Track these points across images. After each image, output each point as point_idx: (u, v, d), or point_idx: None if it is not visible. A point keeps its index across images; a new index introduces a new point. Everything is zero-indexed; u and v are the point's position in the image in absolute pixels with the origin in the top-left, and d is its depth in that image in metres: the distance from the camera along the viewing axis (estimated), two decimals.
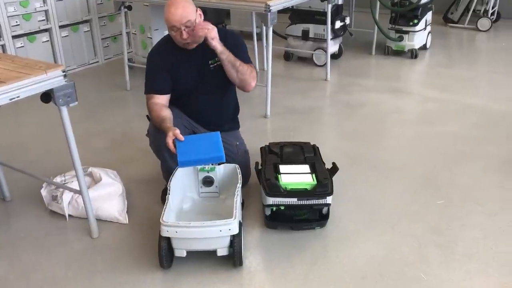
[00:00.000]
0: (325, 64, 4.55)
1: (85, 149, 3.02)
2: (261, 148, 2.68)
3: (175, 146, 2.14)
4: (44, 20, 4.60)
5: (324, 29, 4.59)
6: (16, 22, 4.38)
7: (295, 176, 2.34)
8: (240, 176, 2.33)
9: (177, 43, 2.41)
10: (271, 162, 2.46)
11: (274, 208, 2.28)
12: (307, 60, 4.97)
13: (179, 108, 2.49)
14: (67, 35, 4.82)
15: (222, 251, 2.04)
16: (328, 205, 2.27)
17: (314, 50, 4.83)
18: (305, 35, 4.80)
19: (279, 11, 3.52)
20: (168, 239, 2.00)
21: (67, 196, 2.44)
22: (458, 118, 3.60)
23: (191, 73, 2.48)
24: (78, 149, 2.16)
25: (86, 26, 4.98)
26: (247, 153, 2.68)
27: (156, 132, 2.34)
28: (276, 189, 2.23)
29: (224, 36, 2.43)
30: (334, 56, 4.98)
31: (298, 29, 4.83)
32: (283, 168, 2.40)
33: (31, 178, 2.57)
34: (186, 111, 2.53)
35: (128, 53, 4.54)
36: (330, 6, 4.28)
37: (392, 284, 1.98)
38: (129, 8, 4.12)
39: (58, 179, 2.59)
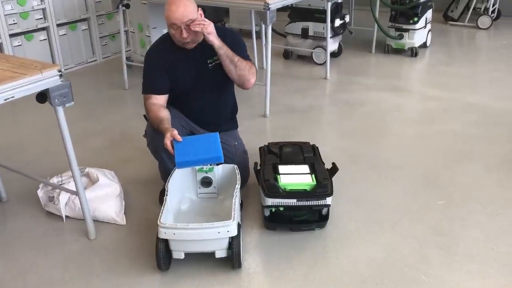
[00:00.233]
0: (325, 62, 4.53)
1: (82, 148, 3.01)
2: (260, 148, 2.66)
3: (173, 147, 2.12)
4: (42, 18, 4.57)
5: (323, 27, 4.56)
6: (13, 20, 4.34)
7: (294, 176, 2.32)
8: (238, 176, 2.31)
9: (176, 42, 2.38)
10: (270, 162, 2.44)
11: (273, 209, 2.26)
12: (306, 59, 4.95)
13: (177, 108, 2.46)
14: (65, 34, 4.79)
15: (221, 253, 2.01)
16: (327, 206, 2.25)
17: (314, 49, 4.81)
18: (304, 33, 4.78)
19: (278, 9, 3.51)
20: (166, 241, 1.98)
21: (64, 197, 2.42)
22: (458, 116, 3.58)
23: (189, 73, 2.46)
24: (75, 148, 2.14)
25: (84, 25, 4.95)
26: (245, 153, 2.65)
27: (154, 133, 2.32)
28: (275, 190, 2.21)
29: (223, 34, 2.40)
30: (334, 55, 4.96)
31: (297, 27, 4.81)
32: (282, 168, 2.38)
33: (28, 179, 2.54)
34: (184, 111, 2.51)
35: (126, 51, 4.53)
36: (329, 4, 4.25)
37: (392, 285, 1.96)
38: (127, 6, 4.09)
39: (54, 180, 2.56)
